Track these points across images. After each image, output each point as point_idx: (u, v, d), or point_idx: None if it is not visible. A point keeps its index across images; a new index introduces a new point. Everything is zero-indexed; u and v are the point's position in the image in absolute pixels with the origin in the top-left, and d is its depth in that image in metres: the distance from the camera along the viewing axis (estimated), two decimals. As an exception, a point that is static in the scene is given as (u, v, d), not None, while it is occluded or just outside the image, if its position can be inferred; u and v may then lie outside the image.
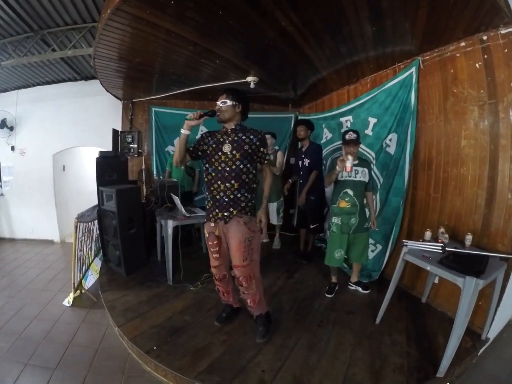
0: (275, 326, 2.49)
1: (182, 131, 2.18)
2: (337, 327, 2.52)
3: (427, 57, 2.80)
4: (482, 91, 2.40)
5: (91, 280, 3.35)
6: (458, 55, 2.56)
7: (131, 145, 4.55)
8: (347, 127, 3.93)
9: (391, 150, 3.20)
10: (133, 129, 5.06)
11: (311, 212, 3.75)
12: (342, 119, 4.02)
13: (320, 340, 2.36)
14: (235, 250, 2.23)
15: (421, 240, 2.48)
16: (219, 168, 2.19)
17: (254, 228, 2.27)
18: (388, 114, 3.21)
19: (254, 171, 2.28)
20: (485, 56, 2.36)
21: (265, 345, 2.29)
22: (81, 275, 3.23)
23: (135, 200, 3.47)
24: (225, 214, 2.23)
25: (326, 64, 3.32)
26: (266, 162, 2.33)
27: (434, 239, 2.47)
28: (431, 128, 2.85)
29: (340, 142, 3.99)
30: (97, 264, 3.45)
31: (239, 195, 2.21)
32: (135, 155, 4.62)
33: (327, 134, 4.37)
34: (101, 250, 3.81)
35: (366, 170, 2.85)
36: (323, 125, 4.42)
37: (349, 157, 2.61)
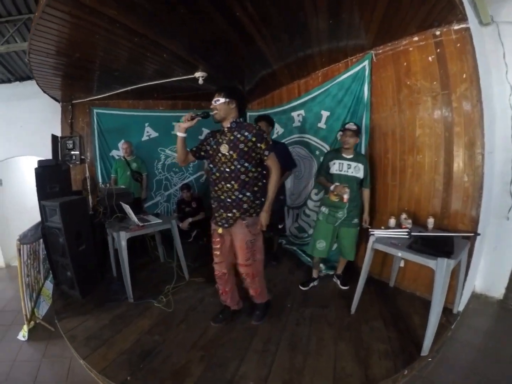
0: (253, 331, 2.43)
1: (178, 134, 2.20)
2: (315, 323, 2.52)
3: (380, 51, 2.90)
4: (435, 82, 2.55)
5: (44, 307, 2.94)
6: (411, 49, 2.68)
7: (72, 152, 4.08)
8: (299, 121, 3.99)
9: None
10: (73, 134, 4.59)
11: (278, 212, 3.64)
12: (294, 114, 4.06)
13: (300, 339, 2.33)
14: (238, 251, 2.32)
15: (382, 227, 2.56)
16: (221, 168, 2.21)
17: (255, 231, 2.30)
18: (341, 107, 3.29)
19: (254, 169, 2.22)
20: (438, 50, 2.50)
21: (246, 353, 2.19)
22: (33, 303, 2.83)
23: (82, 213, 3.11)
24: (229, 215, 2.25)
25: (278, 57, 3.26)
26: (266, 158, 2.21)
27: (397, 225, 2.57)
28: (385, 119, 2.96)
29: (294, 136, 4.07)
30: (48, 288, 3.03)
31: (240, 195, 2.21)
32: (77, 162, 4.17)
33: (278, 129, 4.40)
34: (50, 272, 3.36)
35: (360, 165, 2.78)
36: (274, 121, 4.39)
37: (347, 190, 2.64)
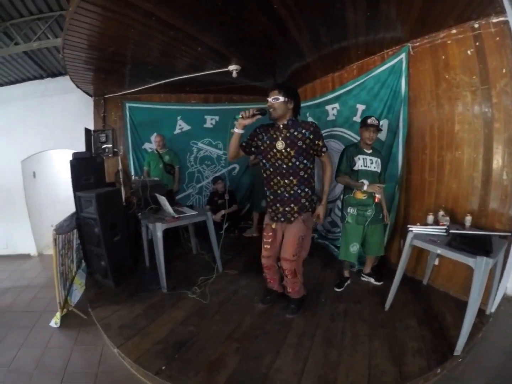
0: (287, 325, 2.44)
1: (236, 130, 2.17)
2: (349, 318, 2.51)
3: (417, 44, 2.83)
4: (474, 77, 2.48)
5: (76, 295, 3.01)
6: (449, 42, 2.61)
7: (105, 145, 4.16)
8: (333, 115, 3.93)
9: (382, 136, 3.20)
10: (106, 127, 4.68)
11: None
12: (328, 107, 4.00)
13: (335, 334, 2.32)
14: (288, 245, 2.31)
15: (418, 224, 2.50)
16: (276, 164, 2.23)
17: (310, 225, 2.38)
18: (378, 100, 3.22)
19: (311, 165, 2.29)
20: (477, 44, 2.43)
21: (281, 347, 2.20)
22: (66, 291, 2.90)
23: (117, 204, 3.17)
24: (287, 209, 2.29)
25: (313, 50, 3.18)
26: (323, 154, 2.30)
27: (435, 222, 2.54)
28: (423, 113, 2.90)
29: (328, 129, 3.99)
30: (80, 277, 3.11)
31: (299, 191, 2.26)
32: (110, 155, 4.25)
33: None
34: (83, 261, 3.47)
35: (379, 160, 2.78)
36: (307, 114, 4.38)
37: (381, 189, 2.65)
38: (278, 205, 2.30)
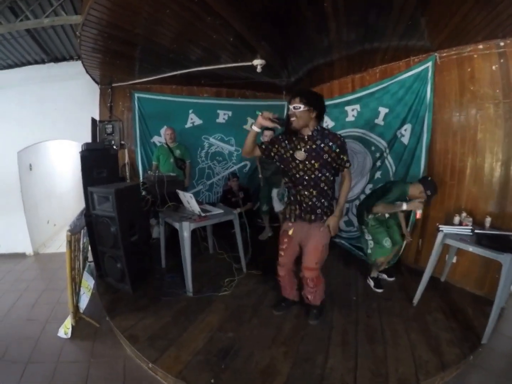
0: (328, 324, 2.46)
1: (254, 127, 2.05)
2: (384, 315, 2.59)
3: (444, 54, 2.97)
4: (497, 90, 2.68)
5: (84, 300, 2.68)
6: (475, 56, 2.79)
7: (111, 137, 3.77)
8: (353, 116, 3.99)
9: (405, 140, 3.34)
10: (113, 118, 4.30)
11: None
12: (348, 108, 4.04)
13: (375, 330, 2.40)
14: (312, 252, 2.25)
15: (437, 224, 2.70)
16: (297, 175, 2.19)
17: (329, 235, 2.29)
18: (402, 105, 3.32)
19: (332, 178, 2.23)
20: (501, 60, 2.64)
21: (328, 346, 2.22)
22: (76, 297, 2.60)
23: (135, 201, 2.93)
24: (307, 216, 2.25)
25: (344, 47, 3.10)
26: (346, 168, 2.19)
27: (459, 222, 2.72)
28: (447, 120, 3.06)
29: (347, 130, 4.07)
30: (87, 279, 2.77)
31: (317, 202, 2.22)
32: (116, 147, 3.86)
33: (328, 123, 4.32)
34: (87, 262, 3.13)
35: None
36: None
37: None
38: (299, 211, 2.27)
